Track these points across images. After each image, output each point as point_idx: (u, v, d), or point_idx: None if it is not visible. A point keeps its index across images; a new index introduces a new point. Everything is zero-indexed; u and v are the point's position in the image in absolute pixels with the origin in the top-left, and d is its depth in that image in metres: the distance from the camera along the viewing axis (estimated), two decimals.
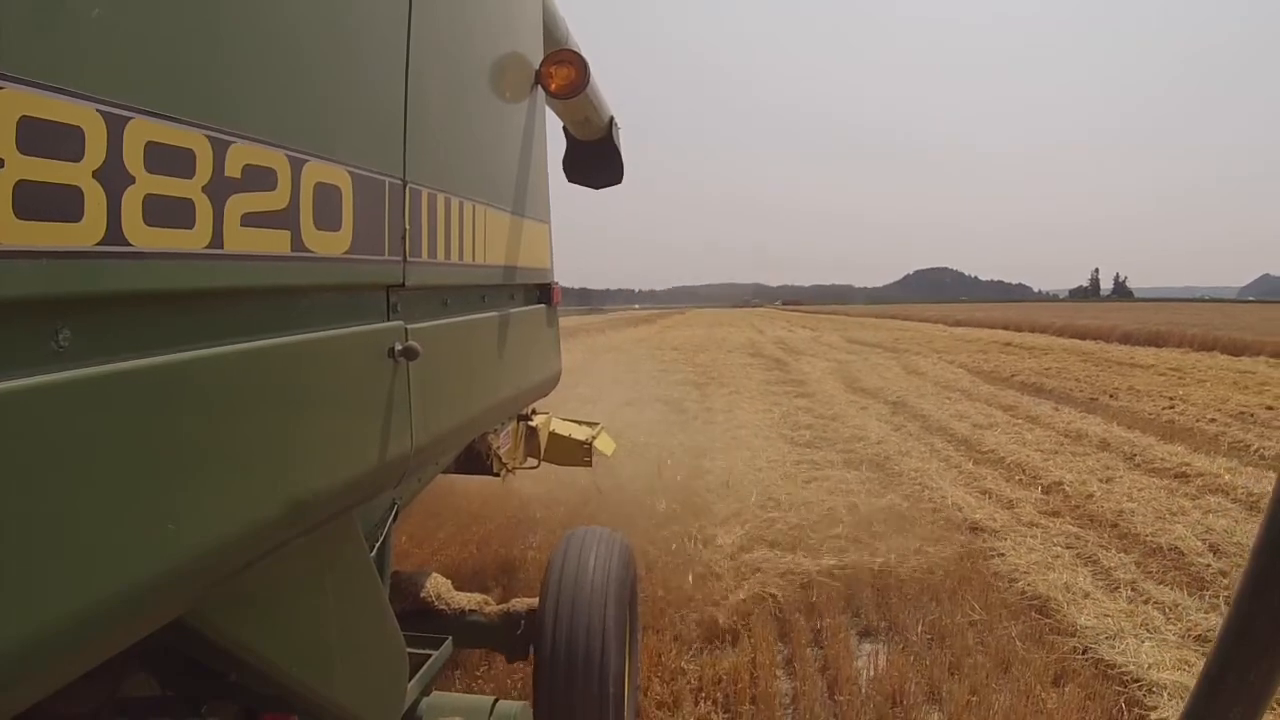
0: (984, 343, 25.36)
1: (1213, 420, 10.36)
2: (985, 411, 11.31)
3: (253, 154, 1.06)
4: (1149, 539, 5.66)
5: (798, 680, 3.76)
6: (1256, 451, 8.55)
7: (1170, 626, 4.24)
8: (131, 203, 0.86)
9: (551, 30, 2.95)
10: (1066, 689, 3.63)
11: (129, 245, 0.86)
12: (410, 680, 2.00)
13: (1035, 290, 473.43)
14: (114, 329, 0.88)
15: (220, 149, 1.00)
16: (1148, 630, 4.18)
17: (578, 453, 4.53)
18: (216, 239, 1.00)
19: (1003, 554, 5.35)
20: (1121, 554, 5.42)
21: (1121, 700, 3.53)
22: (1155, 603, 4.57)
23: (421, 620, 2.65)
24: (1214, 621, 4.25)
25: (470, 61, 1.98)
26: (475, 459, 2.95)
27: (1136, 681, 3.67)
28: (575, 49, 2.88)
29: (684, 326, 42.79)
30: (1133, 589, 4.78)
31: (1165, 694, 3.52)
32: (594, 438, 4.67)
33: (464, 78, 1.93)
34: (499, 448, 3.12)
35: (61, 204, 0.78)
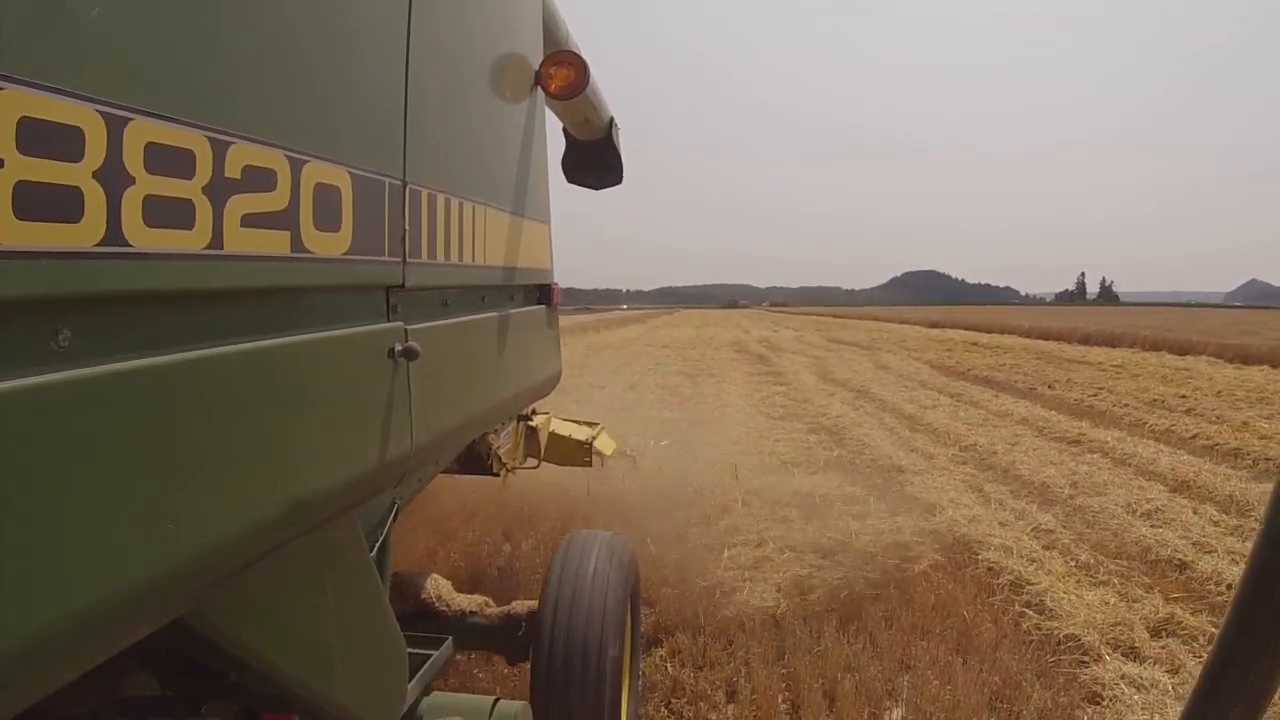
0: (953, 342, 26.68)
1: (1126, 406, 11.86)
2: (934, 397, 13.11)
3: (253, 154, 1.06)
4: (1026, 478, 7.60)
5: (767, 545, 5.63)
6: (1149, 428, 10.26)
7: (1018, 522, 6.17)
8: (131, 203, 0.86)
9: (552, 31, 2.94)
10: (932, 546, 5.56)
11: (129, 246, 0.86)
12: (410, 680, 2.00)
13: (1022, 294, 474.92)
14: (114, 329, 0.87)
15: (220, 150, 0.99)
16: (999, 522, 6.12)
17: (578, 453, 4.58)
18: (216, 240, 1.00)
19: (913, 483, 7.27)
20: (1001, 485, 7.34)
21: (966, 553, 5.47)
22: (1010, 509, 6.53)
23: (422, 621, 2.65)
24: (1048, 520, 6.20)
25: (470, 62, 1.97)
26: (475, 459, 2.96)
27: (979, 543, 5.61)
28: (575, 50, 2.89)
29: (673, 326, 44.17)
30: (999, 503, 6.69)
31: (992, 549, 5.44)
32: (594, 438, 4.73)
33: (464, 78, 1.92)
34: (499, 448, 3.13)
35: (61, 204, 0.77)
